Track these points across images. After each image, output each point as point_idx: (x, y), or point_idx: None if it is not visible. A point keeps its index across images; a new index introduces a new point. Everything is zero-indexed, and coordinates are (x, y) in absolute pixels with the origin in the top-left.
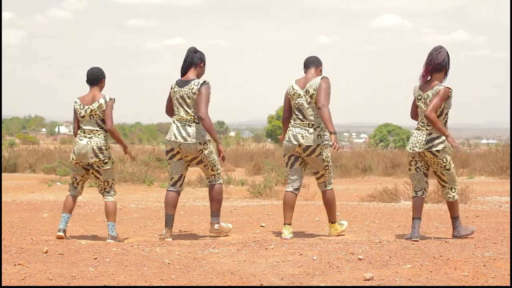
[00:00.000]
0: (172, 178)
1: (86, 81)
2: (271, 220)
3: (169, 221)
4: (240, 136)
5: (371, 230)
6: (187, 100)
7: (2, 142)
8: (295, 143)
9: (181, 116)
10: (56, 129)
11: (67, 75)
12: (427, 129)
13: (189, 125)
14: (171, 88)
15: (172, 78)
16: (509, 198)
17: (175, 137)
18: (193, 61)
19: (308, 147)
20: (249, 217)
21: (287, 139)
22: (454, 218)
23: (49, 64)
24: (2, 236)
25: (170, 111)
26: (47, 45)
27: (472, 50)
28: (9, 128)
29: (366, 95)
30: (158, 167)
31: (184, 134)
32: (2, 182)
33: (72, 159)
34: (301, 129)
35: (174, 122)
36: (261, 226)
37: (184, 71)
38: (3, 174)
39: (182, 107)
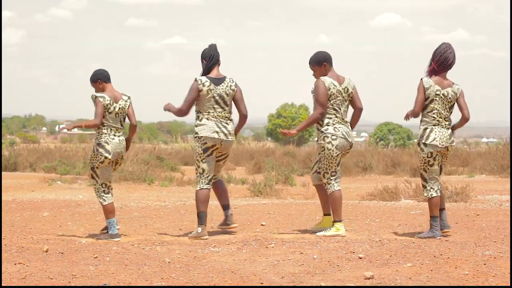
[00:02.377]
0: (208, 176)
1: (104, 79)
2: (271, 219)
3: (205, 218)
4: (241, 135)
5: (371, 229)
6: (225, 97)
7: (3, 141)
8: (350, 140)
9: (218, 114)
10: (57, 128)
11: (67, 75)
12: (445, 125)
13: (227, 123)
14: (204, 86)
15: (172, 77)
16: (510, 196)
17: (218, 134)
18: (218, 58)
19: (352, 143)
20: (249, 216)
21: (341, 136)
22: (442, 211)
23: (49, 64)
24: (3, 235)
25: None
26: (47, 45)
27: (472, 49)
28: (9, 127)
29: (366, 94)
30: (159, 166)
31: (225, 131)
32: (3, 181)
33: (105, 158)
34: (347, 127)
35: (210, 119)
36: (262, 225)
37: (210, 69)
38: (3, 173)
39: (219, 104)
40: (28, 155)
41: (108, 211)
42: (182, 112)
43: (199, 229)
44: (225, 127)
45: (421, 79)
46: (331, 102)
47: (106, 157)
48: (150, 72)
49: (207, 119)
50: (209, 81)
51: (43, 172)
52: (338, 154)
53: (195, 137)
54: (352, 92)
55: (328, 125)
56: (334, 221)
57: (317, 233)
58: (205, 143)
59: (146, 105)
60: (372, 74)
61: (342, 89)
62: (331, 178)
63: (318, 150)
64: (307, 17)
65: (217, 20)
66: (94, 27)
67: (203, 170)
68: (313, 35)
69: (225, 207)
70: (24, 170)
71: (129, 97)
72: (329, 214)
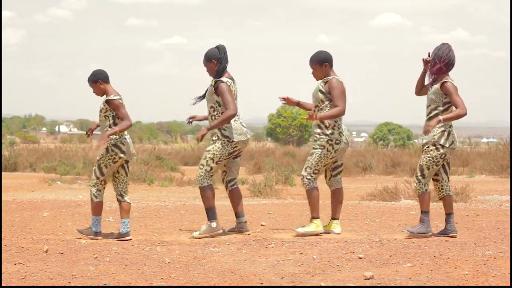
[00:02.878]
0: (213, 174)
1: (105, 79)
2: (271, 219)
3: (215, 212)
4: None
5: (371, 229)
6: (237, 97)
7: (3, 141)
8: (349, 143)
9: (238, 113)
10: (56, 128)
11: (67, 75)
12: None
13: (243, 120)
14: (232, 87)
15: (172, 77)
16: (509, 196)
17: (245, 135)
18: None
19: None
20: (249, 216)
21: (345, 141)
22: (451, 214)
23: (49, 64)
24: (3, 235)
25: None
26: (47, 45)
27: (472, 49)
28: (9, 127)
29: (366, 94)
30: (158, 166)
31: (247, 129)
32: (3, 181)
33: (119, 158)
34: (347, 130)
35: (237, 120)
36: (262, 225)
37: (223, 70)
38: (3, 173)
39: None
40: (28, 155)
41: (97, 208)
42: (234, 112)
43: (214, 224)
44: (243, 124)
45: (447, 82)
46: None
47: (120, 157)
48: (150, 72)
49: (234, 120)
50: (232, 81)
51: (43, 172)
52: (333, 157)
53: (226, 140)
54: None
55: (333, 129)
56: (313, 218)
57: (297, 229)
58: (236, 146)
59: (146, 105)
60: (372, 74)
61: None
62: (313, 175)
63: (314, 147)
64: (307, 17)
65: (217, 20)
66: (94, 27)
67: (211, 169)
68: (313, 35)
69: (239, 214)
70: (24, 170)
71: None
72: (336, 218)
